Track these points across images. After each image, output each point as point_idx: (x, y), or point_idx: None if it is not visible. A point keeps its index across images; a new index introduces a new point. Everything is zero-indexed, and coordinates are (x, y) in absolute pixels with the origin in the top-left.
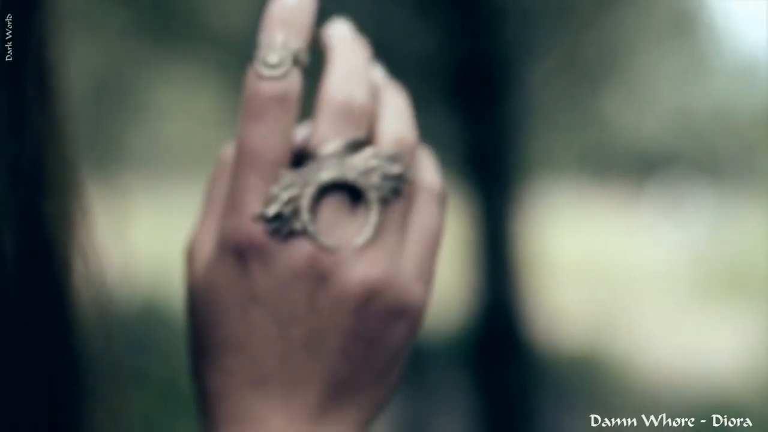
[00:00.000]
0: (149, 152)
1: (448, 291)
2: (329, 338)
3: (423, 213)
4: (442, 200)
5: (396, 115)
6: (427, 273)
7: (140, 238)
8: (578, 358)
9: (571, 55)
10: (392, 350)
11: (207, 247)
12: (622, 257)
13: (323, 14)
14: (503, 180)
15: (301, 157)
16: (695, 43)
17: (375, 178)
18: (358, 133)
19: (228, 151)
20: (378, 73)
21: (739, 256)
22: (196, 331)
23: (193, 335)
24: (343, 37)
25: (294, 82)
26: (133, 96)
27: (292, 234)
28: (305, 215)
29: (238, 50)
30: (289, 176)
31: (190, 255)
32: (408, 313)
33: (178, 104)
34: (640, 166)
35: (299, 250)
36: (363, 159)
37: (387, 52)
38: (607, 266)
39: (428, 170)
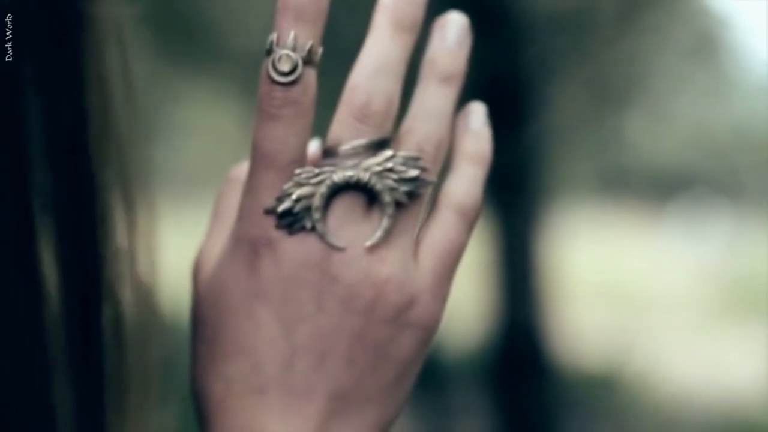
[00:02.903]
0: (170, 169)
1: (469, 309)
2: (335, 342)
3: (446, 227)
4: (469, 218)
5: (425, 115)
6: (442, 289)
7: (160, 254)
8: (598, 377)
9: (592, 77)
10: (400, 361)
11: (215, 259)
12: (642, 277)
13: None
14: (524, 200)
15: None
16: (716, 64)
17: (391, 181)
18: (379, 133)
19: (236, 170)
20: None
21: (758, 276)
22: (200, 337)
23: (197, 343)
24: (385, 22)
25: (308, 84)
26: (154, 114)
27: (302, 232)
28: (316, 214)
29: (259, 68)
30: (303, 174)
31: (198, 267)
32: (417, 324)
33: (199, 122)
34: (660, 187)
35: (308, 248)
36: (380, 160)
37: (410, 74)
38: (627, 286)
39: (463, 183)
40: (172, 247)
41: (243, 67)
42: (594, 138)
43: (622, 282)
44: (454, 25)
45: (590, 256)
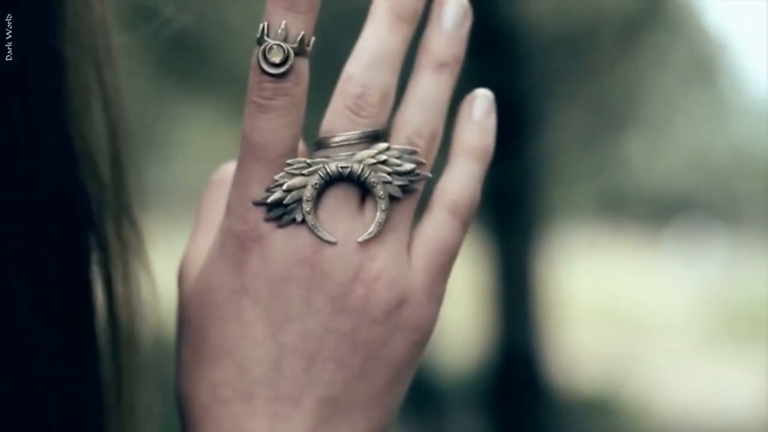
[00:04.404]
0: (170, 190)
1: (466, 332)
2: (324, 342)
3: (439, 226)
4: (464, 218)
5: (420, 104)
6: (435, 290)
7: (159, 275)
8: (595, 400)
9: (591, 99)
10: (392, 365)
11: (199, 263)
12: (639, 300)
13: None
14: (522, 222)
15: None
16: (715, 87)
17: (385, 174)
18: (373, 125)
19: (219, 173)
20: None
21: (755, 300)
22: (185, 340)
23: (182, 346)
24: (383, 11)
25: (299, 75)
26: (154, 134)
27: (292, 224)
28: (307, 206)
29: None
30: (295, 165)
31: (183, 271)
32: (409, 324)
33: (199, 142)
34: (658, 210)
35: (298, 241)
36: (374, 152)
37: (407, 63)
38: (624, 309)
39: (459, 180)
40: (171, 266)
41: (243, 88)
42: (592, 160)
43: (619, 305)
44: (452, 7)
45: (588, 279)
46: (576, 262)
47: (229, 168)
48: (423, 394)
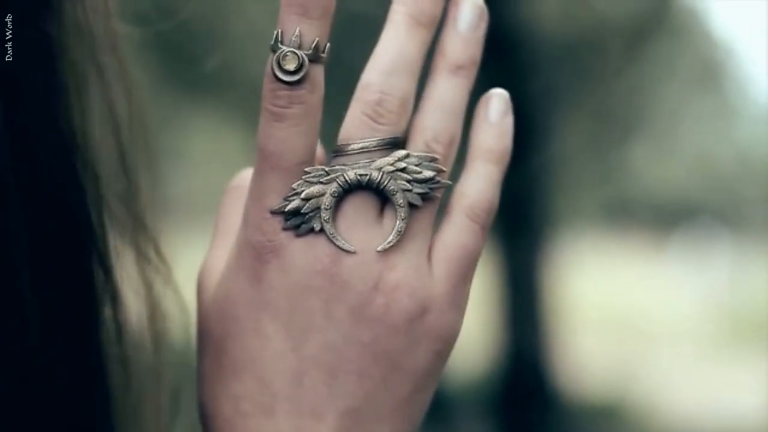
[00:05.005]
0: (174, 197)
1: (473, 339)
2: (346, 354)
3: (459, 232)
4: (483, 222)
5: (438, 108)
6: (458, 297)
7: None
8: (602, 407)
9: (597, 107)
10: (416, 374)
11: (218, 273)
12: (645, 306)
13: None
14: (529, 229)
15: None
16: (721, 94)
17: (404, 182)
18: (392, 132)
19: (237, 179)
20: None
21: (761, 305)
22: (207, 354)
23: (203, 359)
24: (402, 16)
25: (315, 82)
26: (158, 141)
27: (310, 233)
28: (325, 214)
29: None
30: (313, 173)
31: (202, 280)
32: (432, 333)
33: (203, 150)
34: (663, 217)
35: (317, 251)
36: (393, 160)
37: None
38: (630, 316)
39: (477, 183)
40: (177, 273)
41: (248, 95)
42: (598, 167)
43: (625, 311)
44: (468, 8)
45: (594, 286)
46: (582, 268)
47: (247, 174)
48: (431, 401)
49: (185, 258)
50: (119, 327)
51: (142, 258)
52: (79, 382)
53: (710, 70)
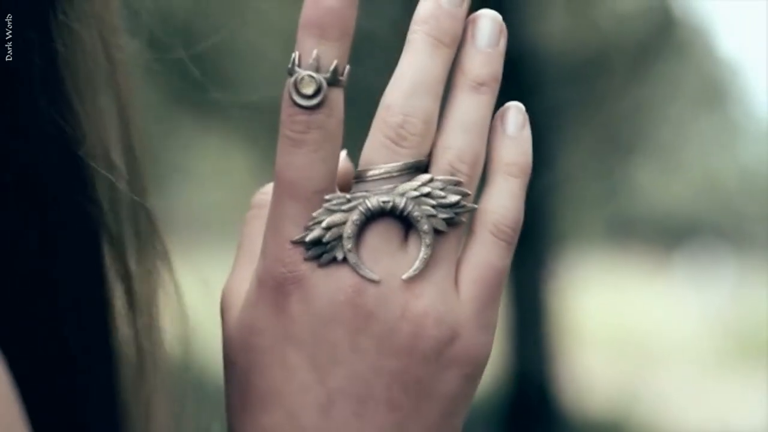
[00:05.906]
0: (180, 217)
1: None
2: (373, 385)
3: (485, 251)
4: (509, 239)
5: (460, 128)
6: (487, 318)
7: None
8: (607, 424)
9: (601, 126)
10: (446, 399)
11: (243, 294)
12: (649, 324)
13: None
14: (534, 248)
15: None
16: (725, 113)
17: (429, 207)
18: (415, 156)
19: (260, 196)
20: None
21: (764, 323)
22: (234, 384)
23: (231, 389)
24: (422, 36)
25: (334, 106)
26: (162, 162)
27: (333, 263)
28: (348, 243)
29: (270, 116)
30: (334, 200)
31: (226, 303)
32: (462, 358)
33: (208, 170)
34: (667, 235)
35: (340, 281)
36: (417, 185)
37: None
38: (635, 333)
39: (501, 199)
40: (184, 294)
41: (253, 115)
42: (602, 186)
43: (629, 329)
44: (486, 23)
45: (598, 304)
46: (587, 286)
47: (269, 189)
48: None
49: (192, 274)
50: (134, 329)
51: (149, 264)
52: (91, 379)
53: (714, 89)
